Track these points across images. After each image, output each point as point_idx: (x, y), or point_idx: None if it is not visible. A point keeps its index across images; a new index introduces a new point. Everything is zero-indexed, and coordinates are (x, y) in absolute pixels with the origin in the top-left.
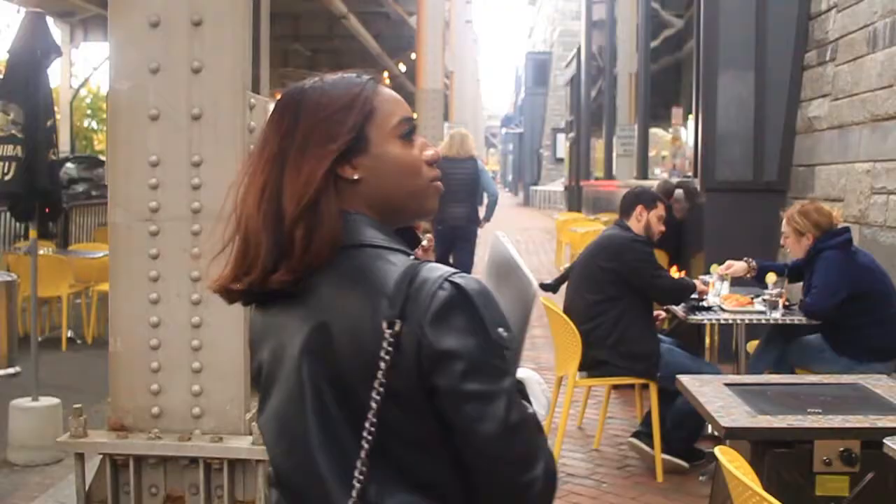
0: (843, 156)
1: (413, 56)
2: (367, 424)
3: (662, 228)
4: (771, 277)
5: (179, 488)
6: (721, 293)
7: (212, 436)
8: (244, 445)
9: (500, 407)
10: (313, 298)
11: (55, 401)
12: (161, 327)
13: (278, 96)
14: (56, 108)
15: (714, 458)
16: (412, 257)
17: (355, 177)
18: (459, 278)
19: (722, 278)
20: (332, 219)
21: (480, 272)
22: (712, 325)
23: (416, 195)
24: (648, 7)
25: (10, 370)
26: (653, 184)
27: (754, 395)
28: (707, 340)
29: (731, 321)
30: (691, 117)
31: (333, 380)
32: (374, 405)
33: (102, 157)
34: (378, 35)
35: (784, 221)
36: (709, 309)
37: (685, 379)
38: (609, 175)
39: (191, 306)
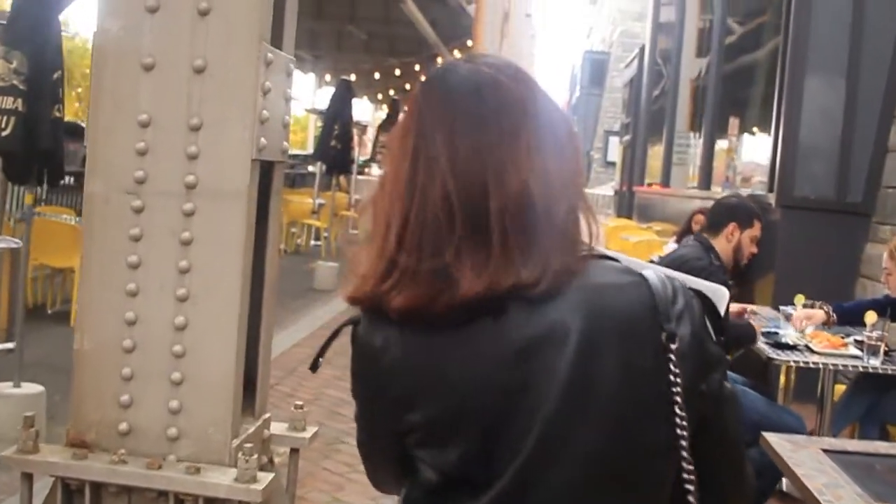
0: None
1: (469, 44)
2: (683, 452)
3: (755, 251)
4: (871, 317)
5: None
6: (806, 331)
7: (188, 465)
8: (225, 481)
9: (739, 406)
10: (550, 317)
11: (38, 388)
12: (138, 326)
13: (417, 88)
14: None
15: None
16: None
17: None
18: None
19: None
20: (591, 214)
21: None
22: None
23: None
24: (724, 12)
25: (9, 345)
26: (714, 195)
27: (862, 469)
28: (782, 379)
29: (820, 365)
30: (756, 128)
31: (604, 415)
32: (680, 428)
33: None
34: (434, 21)
35: (886, 255)
36: (793, 348)
37: (773, 439)
38: (666, 182)
39: (175, 303)
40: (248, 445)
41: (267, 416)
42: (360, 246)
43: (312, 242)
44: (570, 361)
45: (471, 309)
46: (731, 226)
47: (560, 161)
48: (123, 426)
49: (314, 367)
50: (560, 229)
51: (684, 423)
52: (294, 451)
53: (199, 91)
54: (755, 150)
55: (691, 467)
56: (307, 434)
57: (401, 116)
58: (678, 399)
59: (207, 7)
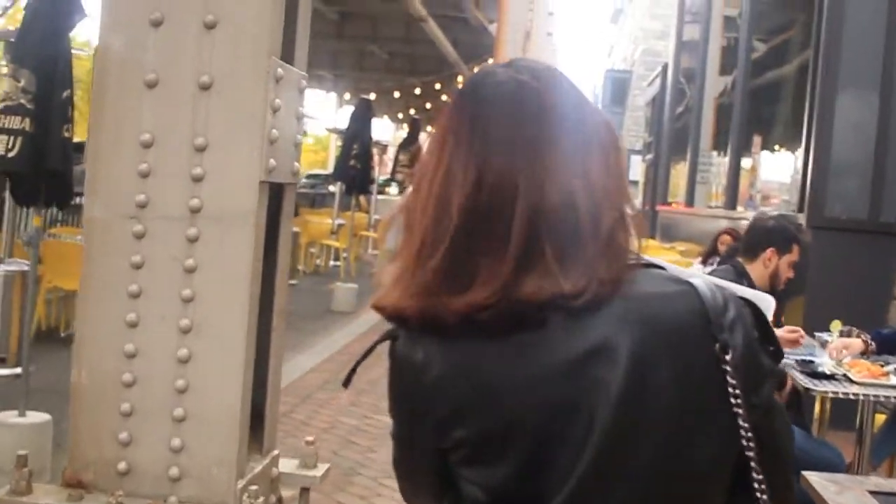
0: None
1: (490, 62)
2: (752, 463)
3: (791, 275)
4: None
5: None
6: (844, 361)
7: None
8: None
9: (787, 418)
10: (598, 330)
11: (44, 417)
12: (138, 359)
13: (460, 88)
14: None
15: None
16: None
17: None
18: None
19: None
20: (641, 224)
21: None
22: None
23: None
24: (750, 30)
25: (17, 370)
26: (745, 217)
27: None
28: (816, 408)
29: (860, 396)
30: (778, 146)
31: (659, 430)
32: (747, 440)
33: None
34: (455, 41)
35: None
36: (831, 377)
37: (815, 479)
38: (690, 202)
39: (178, 335)
40: (254, 487)
41: (275, 453)
42: (389, 257)
43: (332, 263)
44: (622, 376)
45: (504, 319)
46: (769, 251)
47: (604, 166)
48: (122, 465)
49: (347, 382)
50: (606, 237)
51: (750, 433)
52: (304, 490)
53: (204, 109)
54: (776, 168)
55: (761, 477)
56: (318, 472)
57: (438, 121)
58: (740, 410)
59: (214, 20)
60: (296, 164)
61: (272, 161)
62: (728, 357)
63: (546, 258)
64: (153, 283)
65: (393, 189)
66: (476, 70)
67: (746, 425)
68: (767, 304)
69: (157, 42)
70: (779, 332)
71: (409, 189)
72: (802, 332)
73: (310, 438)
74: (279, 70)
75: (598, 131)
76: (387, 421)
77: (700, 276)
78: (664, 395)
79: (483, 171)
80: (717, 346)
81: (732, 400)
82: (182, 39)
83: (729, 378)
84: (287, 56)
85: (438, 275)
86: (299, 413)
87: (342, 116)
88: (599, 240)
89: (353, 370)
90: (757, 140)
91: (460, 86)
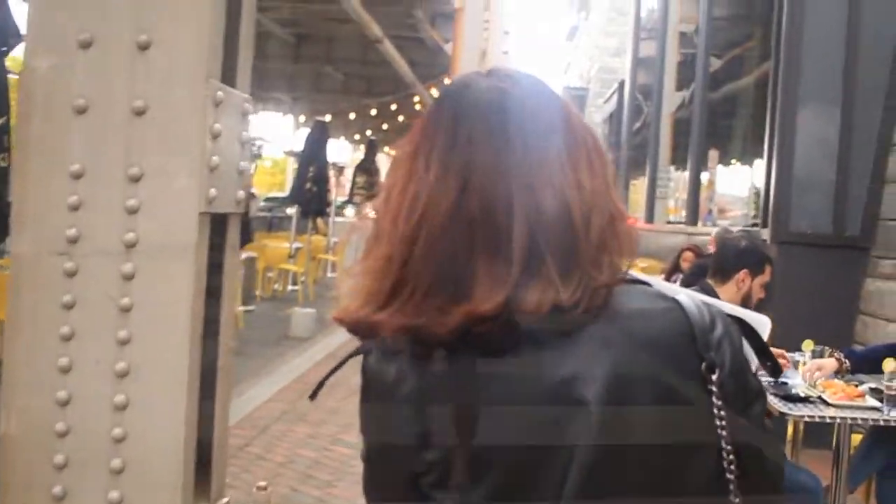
0: None
1: (447, 82)
2: (731, 486)
3: (762, 296)
4: (890, 364)
5: None
6: (817, 382)
7: None
8: None
9: (778, 442)
10: (581, 349)
11: None
12: (72, 406)
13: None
14: None
15: None
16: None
17: None
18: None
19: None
20: (629, 232)
21: None
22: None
23: None
24: (707, 45)
25: None
26: (708, 231)
27: None
28: (790, 430)
29: (837, 420)
30: (734, 161)
31: (644, 454)
32: (728, 463)
33: None
34: (411, 61)
35: None
36: (805, 400)
37: None
38: (649, 218)
39: (114, 379)
40: None
41: (225, 500)
42: (354, 263)
43: (289, 287)
44: (603, 397)
45: (502, 332)
46: (742, 272)
47: (592, 171)
48: None
49: (314, 395)
50: (597, 243)
51: (731, 457)
52: None
53: (138, 136)
54: (731, 182)
55: (738, 501)
56: None
57: (411, 133)
58: (724, 433)
59: (147, 41)
60: (240, 192)
61: (213, 190)
62: (714, 377)
63: (546, 266)
64: (86, 325)
65: (350, 211)
66: (454, 79)
67: (729, 447)
68: (763, 324)
69: (87, 64)
70: None
71: (375, 200)
72: (788, 357)
73: (262, 483)
74: (219, 93)
75: (584, 137)
76: (348, 452)
77: (686, 292)
78: (648, 417)
79: (468, 177)
80: (704, 364)
81: (718, 422)
82: (113, 62)
83: (714, 398)
84: (228, 79)
85: (421, 285)
86: (255, 447)
87: (299, 139)
88: (592, 246)
89: (321, 384)
90: (713, 154)
91: (437, 96)
